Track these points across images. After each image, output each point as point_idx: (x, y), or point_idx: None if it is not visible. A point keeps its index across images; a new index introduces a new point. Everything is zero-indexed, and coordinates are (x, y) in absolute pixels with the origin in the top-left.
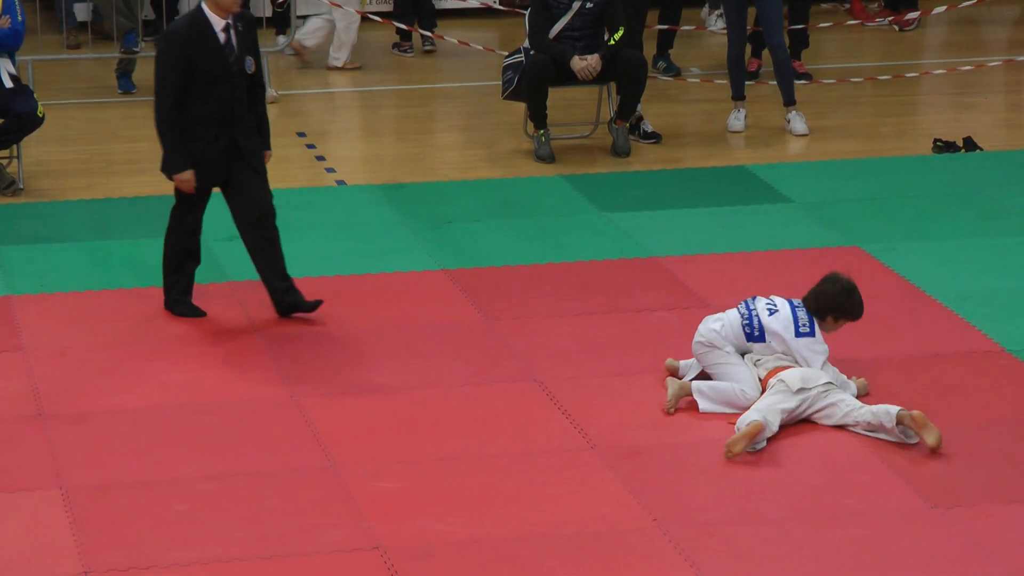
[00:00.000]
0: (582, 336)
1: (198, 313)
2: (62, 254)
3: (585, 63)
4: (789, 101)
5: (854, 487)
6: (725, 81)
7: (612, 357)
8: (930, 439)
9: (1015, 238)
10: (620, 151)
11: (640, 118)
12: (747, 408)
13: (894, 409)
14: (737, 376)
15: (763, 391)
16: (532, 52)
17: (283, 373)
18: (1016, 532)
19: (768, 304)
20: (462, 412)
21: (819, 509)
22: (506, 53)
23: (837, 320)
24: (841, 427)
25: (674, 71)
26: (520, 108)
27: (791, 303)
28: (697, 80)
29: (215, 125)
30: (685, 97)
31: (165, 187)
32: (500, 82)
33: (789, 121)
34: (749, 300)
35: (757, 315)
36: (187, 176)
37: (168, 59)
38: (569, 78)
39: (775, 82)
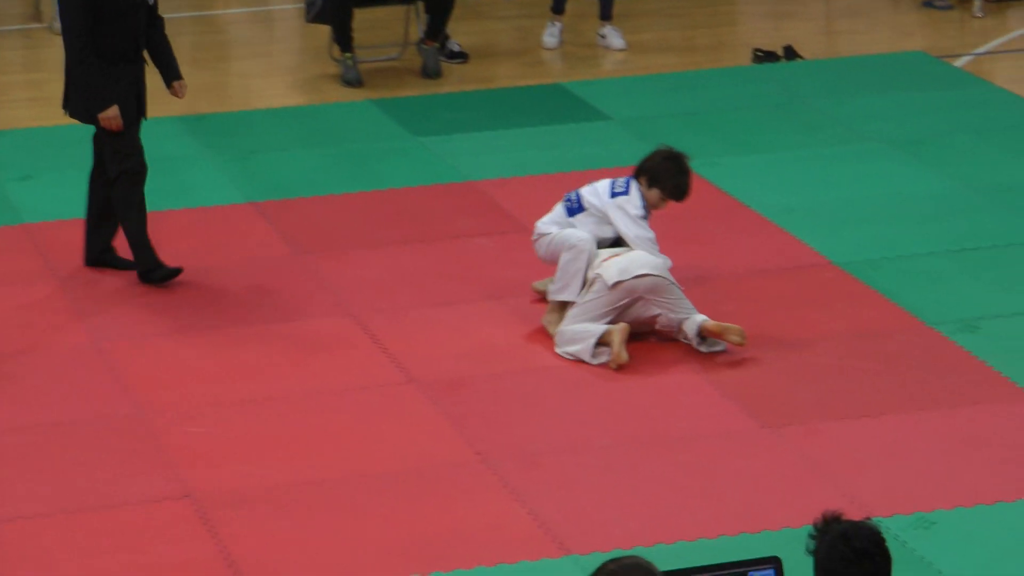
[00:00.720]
0: (397, 267)
1: (128, 266)
2: None
3: None
4: (606, 15)
5: (684, 410)
6: None
7: (429, 287)
8: (733, 338)
9: (838, 148)
10: (430, 72)
11: (447, 36)
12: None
13: (699, 319)
14: (568, 237)
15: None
16: None
17: (84, 319)
18: (845, 448)
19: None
20: (274, 350)
21: (648, 434)
22: None
23: (652, 187)
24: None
25: None
26: (325, 31)
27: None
28: None
29: (121, 61)
30: (497, 13)
31: None
32: (303, 5)
33: (605, 36)
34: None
35: (577, 191)
36: (113, 112)
37: None
38: None
39: None
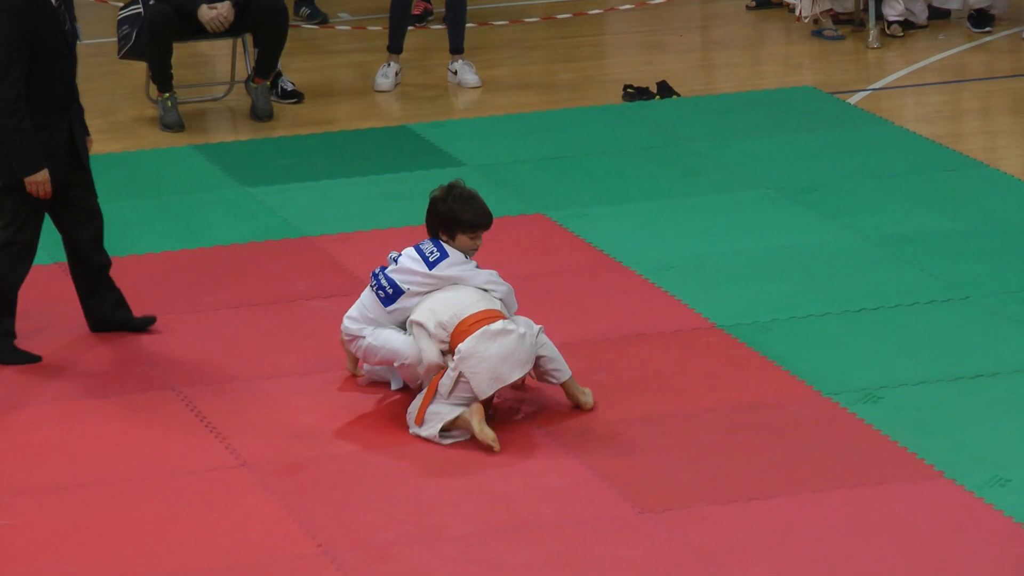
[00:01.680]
0: (224, 334)
1: (33, 359)
2: None
3: (215, 12)
4: (457, 48)
5: (550, 493)
6: (380, 28)
7: (261, 357)
8: (584, 398)
9: (721, 196)
10: (261, 114)
11: (279, 74)
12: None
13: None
14: (394, 352)
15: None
16: (152, 1)
17: None
18: (732, 535)
19: (392, 258)
20: (88, 430)
21: (509, 521)
22: (121, 4)
23: (454, 235)
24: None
25: (320, 17)
26: (141, 68)
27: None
28: (348, 28)
29: (56, 110)
30: (334, 47)
31: None
32: (116, 39)
33: (456, 72)
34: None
35: (383, 272)
36: (43, 176)
37: (7, 33)
38: (198, 30)
39: (442, 26)
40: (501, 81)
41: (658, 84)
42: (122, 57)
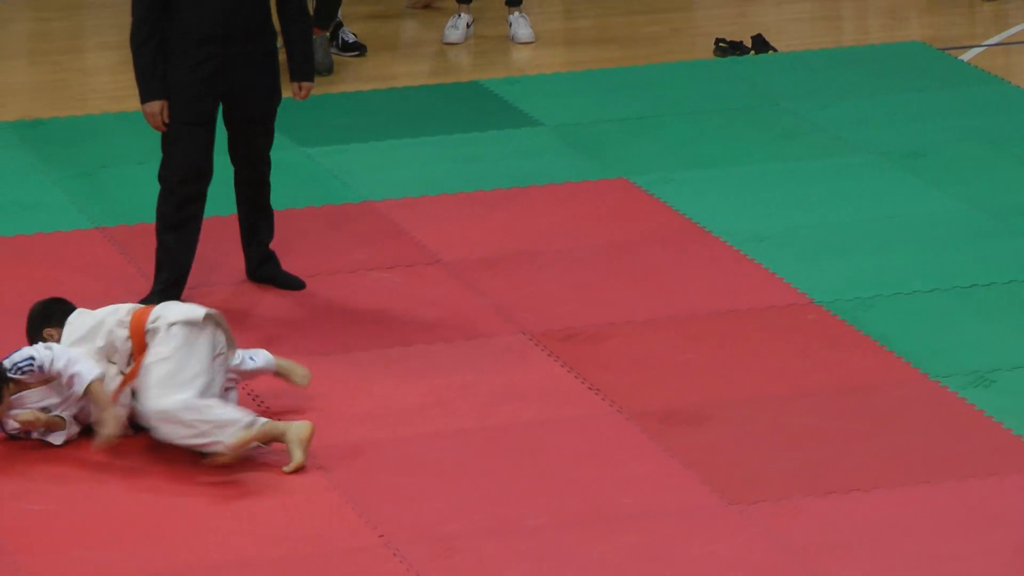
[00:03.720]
0: (280, 307)
1: None
2: None
3: None
4: (513, 1)
5: (631, 483)
6: None
7: (320, 332)
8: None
9: (820, 161)
10: (319, 68)
11: (339, 25)
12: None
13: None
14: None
15: None
16: None
17: None
18: (828, 529)
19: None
20: None
21: (587, 513)
22: None
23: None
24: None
25: None
26: None
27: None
28: None
29: (206, 43)
30: None
31: None
32: None
33: (511, 25)
34: None
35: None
36: (155, 108)
37: None
38: None
39: None
40: (581, 34)
41: (752, 38)
42: None
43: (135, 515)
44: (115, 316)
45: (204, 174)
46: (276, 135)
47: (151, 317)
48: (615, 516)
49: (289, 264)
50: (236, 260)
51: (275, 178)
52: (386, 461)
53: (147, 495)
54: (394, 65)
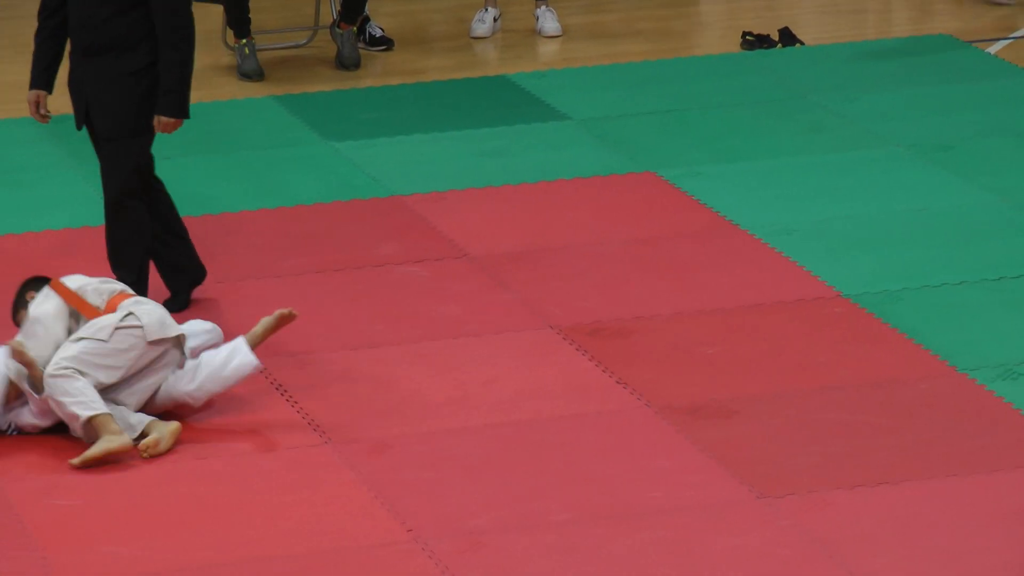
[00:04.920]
0: (306, 300)
1: None
2: None
3: None
4: None
5: (658, 476)
6: None
7: (347, 326)
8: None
9: (847, 153)
10: (347, 62)
11: (367, 19)
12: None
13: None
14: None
15: None
16: None
17: None
18: (857, 523)
19: None
20: None
21: (614, 507)
22: None
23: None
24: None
25: None
26: (216, 12)
27: None
28: None
29: (75, 48)
30: None
31: None
32: None
33: (538, 18)
34: None
35: None
36: (30, 97)
37: None
38: None
39: None
40: (608, 28)
41: (780, 31)
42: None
43: (162, 510)
44: (99, 286)
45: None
46: (303, 129)
47: (123, 305)
48: (643, 510)
49: (315, 259)
50: (257, 254)
51: (304, 172)
52: (413, 455)
53: (174, 490)
54: (421, 59)
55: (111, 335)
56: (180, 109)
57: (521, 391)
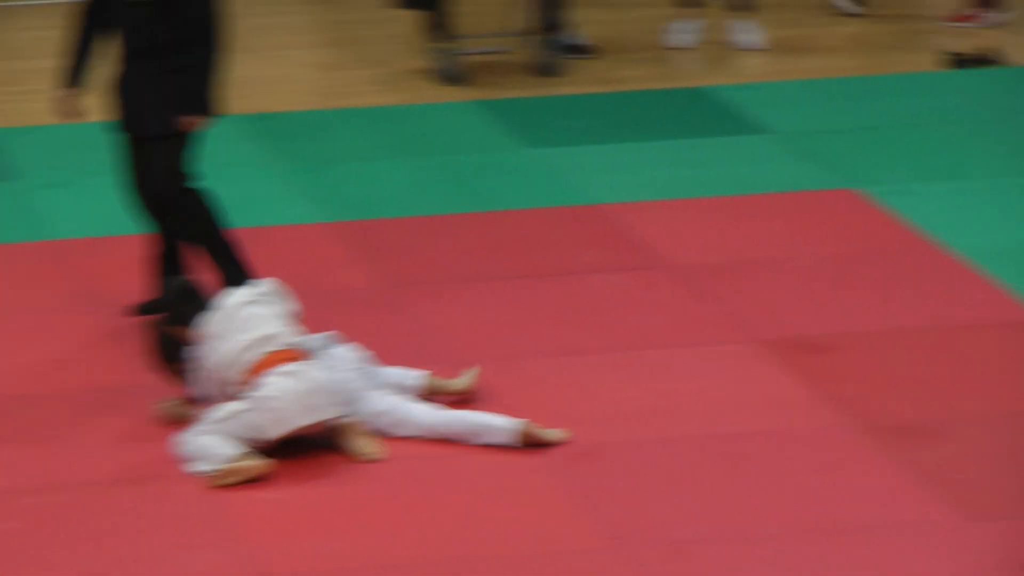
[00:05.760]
0: (506, 306)
1: None
2: None
3: None
4: (741, 5)
5: (867, 494)
6: None
7: (547, 333)
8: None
9: None
10: (546, 69)
11: (568, 27)
12: None
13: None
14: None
15: None
16: None
17: (132, 358)
18: None
19: None
20: None
21: (821, 523)
22: None
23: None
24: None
25: None
26: (420, 16)
27: None
28: None
29: (117, 52)
30: (629, 0)
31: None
32: None
33: (738, 31)
34: None
35: None
36: (61, 95)
37: None
38: None
39: None
40: (810, 42)
41: (987, 51)
42: (398, 6)
43: (366, 507)
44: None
45: (131, 185)
46: (503, 135)
47: (264, 383)
48: (849, 527)
49: (515, 265)
50: (457, 259)
51: (503, 178)
52: (617, 464)
53: (378, 488)
54: (622, 68)
55: (237, 423)
56: (205, 108)
57: (727, 404)
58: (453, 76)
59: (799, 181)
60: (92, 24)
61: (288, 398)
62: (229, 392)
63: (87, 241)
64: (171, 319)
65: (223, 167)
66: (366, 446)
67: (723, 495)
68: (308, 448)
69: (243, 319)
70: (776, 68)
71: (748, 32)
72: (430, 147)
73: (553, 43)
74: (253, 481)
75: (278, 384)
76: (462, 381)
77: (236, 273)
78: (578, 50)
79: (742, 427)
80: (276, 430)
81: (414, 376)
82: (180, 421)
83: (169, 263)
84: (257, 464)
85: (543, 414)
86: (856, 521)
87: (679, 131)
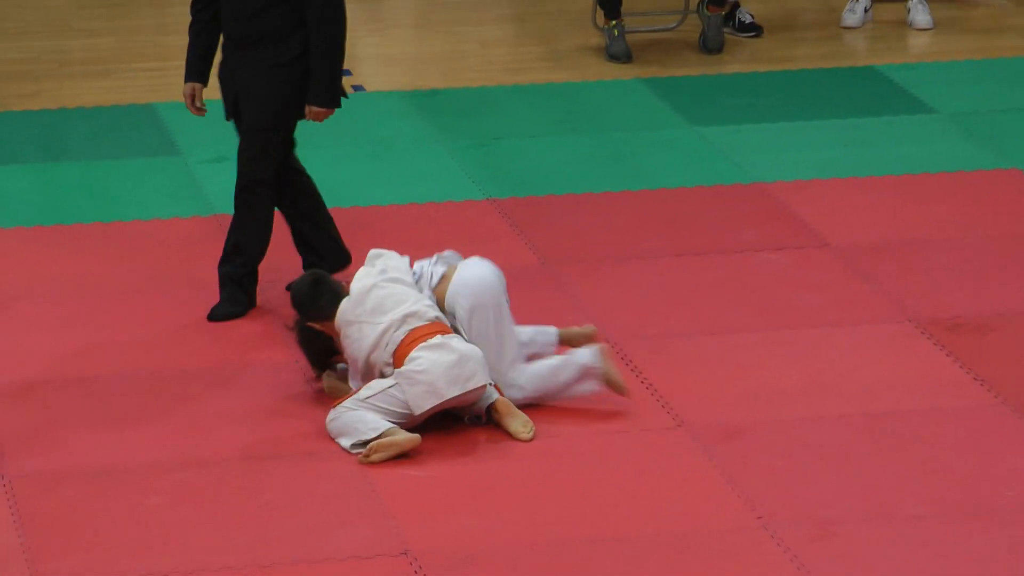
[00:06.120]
0: (665, 284)
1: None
2: (3, 180)
3: None
4: None
5: (1015, 475)
6: None
7: (705, 311)
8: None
9: None
10: (711, 46)
11: (737, 5)
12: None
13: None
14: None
15: None
16: None
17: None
18: None
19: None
20: None
21: (967, 503)
22: None
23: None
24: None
25: None
26: None
27: None
28: None
29: (227, 40)
30: None
31: (134, 94)
32: None
33: (910, 11)
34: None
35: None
36: (186, 90)
37: None
38: None
39: None
40: (979, 22)
41: None
42: None
43: (513, 485)
44: (412, 309)
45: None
46: (668, 112)
47: (410, 357)
48: (999, 508)
49: (675, 243)
50: (617, 235)
51: (667, 155)
52: (767, 442)
53: (525, 466)
54: (790, 47)
55: (385, 398)
56: (331, 99)
57: (878, 383)
58: (620, 54)
59: (966, 161)
60: (206, 17)
61: (437, 370)
62: (384, 374)
63: None
64: (307, 316)
65: (391, 143)
66: (520, 424)
67: (872, 475)
68: (453, 426)
69: (378, 301)
70: (944, 47)
71: (920, 12)
72: (596, 124)
73: (719, 20)
74: (401, 457)
75: (427, 357)
76: (588, 327)
77: (336, 254)
78: (744, 28)
79: (893, 406)
80: (427, 402)
81: (546, 333)
82: (341, 396)
83: (304, 246)
84: (405, 439)
85: (695, 394)
86: (1007, 502)
87: (846, 110)
